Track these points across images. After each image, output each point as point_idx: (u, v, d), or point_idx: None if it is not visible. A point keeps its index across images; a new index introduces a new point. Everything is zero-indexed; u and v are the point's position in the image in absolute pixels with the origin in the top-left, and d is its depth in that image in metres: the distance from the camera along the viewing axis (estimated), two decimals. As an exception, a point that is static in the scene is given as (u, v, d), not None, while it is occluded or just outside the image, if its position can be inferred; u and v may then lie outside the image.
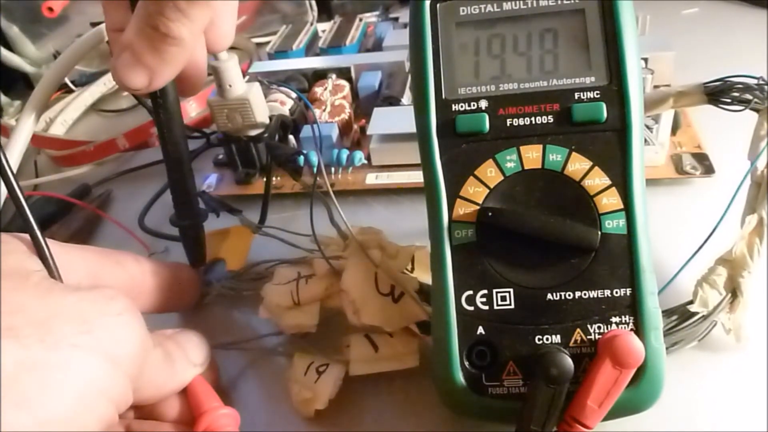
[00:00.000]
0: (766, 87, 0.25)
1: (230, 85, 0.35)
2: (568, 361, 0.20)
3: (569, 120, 0.22)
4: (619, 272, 0.21)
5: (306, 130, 0.39)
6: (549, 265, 0.22)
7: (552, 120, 0.22)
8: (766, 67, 0.39)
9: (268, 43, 0.56)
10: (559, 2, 0.23)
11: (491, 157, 0.23)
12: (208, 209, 0.34)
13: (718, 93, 0.26)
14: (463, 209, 0.23)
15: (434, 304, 0.23)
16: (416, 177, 0.37)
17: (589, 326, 0.21)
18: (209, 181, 0.41)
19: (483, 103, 0.23)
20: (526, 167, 0.22)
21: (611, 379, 0.20)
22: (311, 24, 0.58)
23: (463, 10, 0.24)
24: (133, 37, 0.22)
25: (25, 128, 0.28)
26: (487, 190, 0.23)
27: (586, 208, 0.22)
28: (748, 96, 0.25)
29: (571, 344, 0.21)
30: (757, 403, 0.23)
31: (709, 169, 0.34)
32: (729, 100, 0.25)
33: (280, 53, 0.53)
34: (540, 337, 0.22)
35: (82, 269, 0.23)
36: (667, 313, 0.25)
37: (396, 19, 0.59)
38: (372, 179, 0.38)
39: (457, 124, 0.23)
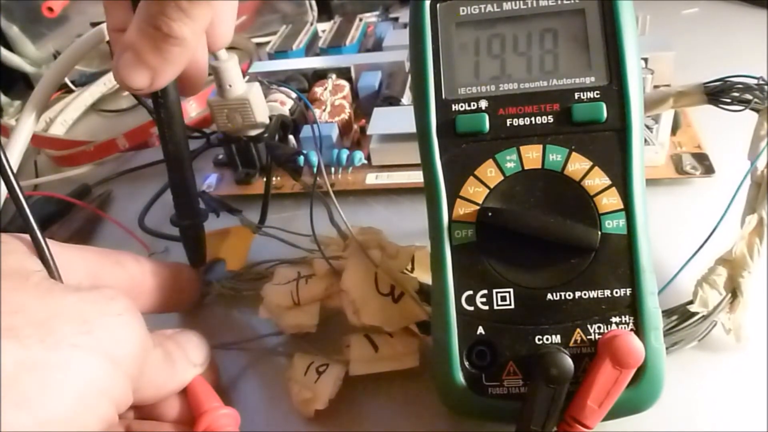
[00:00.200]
0: (766, 87, 0.25)
1: (230, 85, 0.35)
2: (568, 361, 0.20)
3: (569, 120, 0.22)
4: (619, 272, 0.21)
5: (306, 130, 0.39)
6: (549, 265, 0.22)
7: (552, 120, 0.22)
8: (766, 67, 0.39)
9: (268, 43, 0.56)
10: (559, 2, 0.23)
11: (491, 157, 0.23)
12: (208, 209, 0.34)
13: (718, 93, 0.26)
14: (463, 209, 0.23)
15: (434, 304, 0.23)
16: (416, 177, 0.37)
17: (589, 326, 0.21)
18: (209, 181, 0.41)
19: (483, 103, 0.23)
20: (526, 167, 0.22)
21: (611, 379, 0.20)
22: (311, 24, 0.58)
23: (463, 10, 0.24)
24: (134, 37, 0.22)
25: (25, 128, 0.28)
26: (487, 190, 0.23)
27: (586, 208, 0.22)
28: (748, 96, 0.25)
29: (571, 344, 0.21)
30: (757, 403, 0.23)
31: (709, 169, 0.34)
32: (729, 100, 0.25)
33: (280, 53, 0.53)
34: (540, 337, 0.22)
35: (82, 269, 0.23)
36: (667, 313, 0.25)
37: (396, 19, 0.59)
38: (372, 179, 0.38)
39: (457, 124, 0.23)
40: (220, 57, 0.34)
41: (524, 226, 0.22)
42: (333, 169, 0.39)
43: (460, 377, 0.22)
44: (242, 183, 0.40)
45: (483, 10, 0.23)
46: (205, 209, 0.33)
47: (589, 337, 0.21)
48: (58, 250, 0.22)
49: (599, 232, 0.22)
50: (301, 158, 0.37)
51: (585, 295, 0.22)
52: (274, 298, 0.28)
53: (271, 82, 0.43)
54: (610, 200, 0.22)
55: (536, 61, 0.23)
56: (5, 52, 0.61)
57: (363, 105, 0.45)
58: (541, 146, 0.22)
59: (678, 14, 0.53)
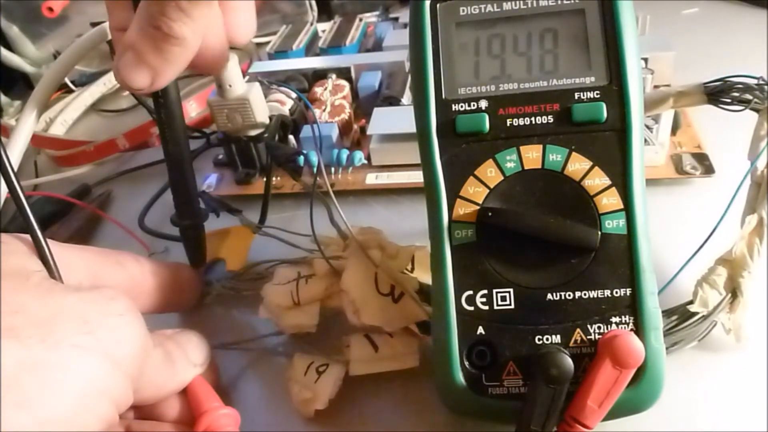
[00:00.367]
0: (766, 87, 0.25)
1: (230, 85, 0.35)
2: (568, 361, 0.20)
3: (569, 120, 0.22)
4: (619, 272, 0.21)
5: (306, 130, 0.39)
6: (549, 265, 0.22)
7: (552, 120, 0.22)
8: (766, 67, 0.39)
9: (268, 43, 0.56)
10: (559, 2, 0.23)
11: (491, 157, 0.23)
12: (208, 209, 0.34)
13: (718, 93, 0.26)
14: (463, 209, 0.23)
15: (434, 304, 0.23)
16: (416, 177, 0.37)
17: (589, 326, 0.21)
18: (209, 181, 0.41)
19: (483, 103, 0.23)
20: (526, 167, 0.22)
21: (611, 379, 0.20)
22: (311, 24, 0.58)
23: (463, 10, 0.24)
24: (135, 37, 0.22)
25: (25, 128, 0.28)
26: (487, 190, 0.23)
27: (586, 208, 0.22)
28: (748, 96, 0.25)
29: (571, 344, 0.21)
30: (757, 403, 0.23)
31: (709, 169, 0.34)
32: (729, 100, 0.25)
33: (280, 53, 0.53)
34: (540, 337, 0.22)
35: (82, 269, 0.23)
36: (667, 313, 0.25)
37: (396, 19, 0.59)
38: (372, 179, 0.38)
39: (457, 124, 0.23)
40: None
41: (524, 226, 0.22)
42: (333, 169, 0.39)
43: (460, 377, 0.22)
44: (242, 183, 0.40)
45: (483, 10, 0.23)
46: (205, 209, 0.33)
47: (589, 337, 0.21)
48: (58, 250, 0.22)
49: (599, 232, 0.22)
50: (301, 158, 0.37)
51: (585, 295, 0.22)
52: (274, 298, 0.28)
53: (271, 82, 0.43)
54: (610, 200, 0.22)
55: (536, 61, 0.23)
56: (5, 52, 0.61)
57: (363, 105, 0.45)
58: (541, 146, 0.22)
59: (678, 14, 0.53)
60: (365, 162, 0.39)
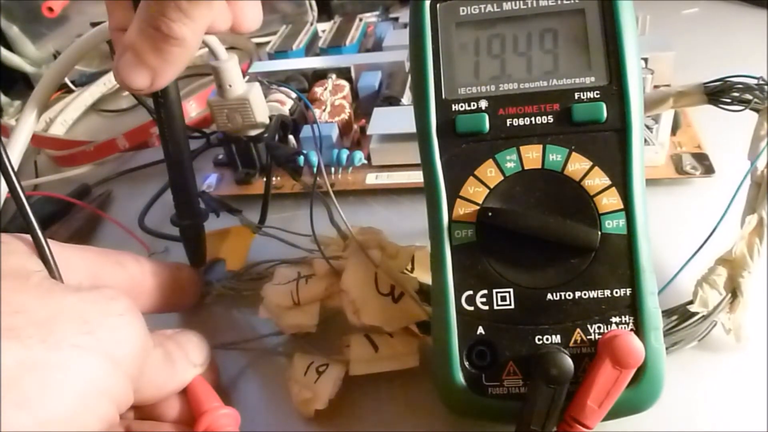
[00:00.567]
0: (766, 87, 0.25)
1: (230, 85, 0.35)
2: (568, 361, 0.20)
3: (569, 120, 0.22)
4: (619, 272, 0.21)
5: (306, 130, 0.39)
6: (549, 265, 0.22)
7: (552, 120, 0.22)
8: (766, 67, 0.39)
9: (268, 43, 0.56)
10: (559, 2, 0.23)
11: (491, 157, 0.23)
12: (208, 209, 0.34)
13: (718, 93, 0.26)
14: (463, 209, 0.23)
15: (434, 304, 0.23)
16: (416, 177, 0.37)
17: (589, 326, 0.21)
18: (209, 181, 0.41)
19: (483, 103, 0.23)
20: (526, 167, 0.22)
21: (611, 379, 0.20)
22: (311, 24, 0.58)
23: (463, 10, 0.24)
24: (135, 38, 0.22)
25: (25, 128, 0.28)
26: (487, 190, 0.23)
27: (586, 208, 0.22)
28: (748, 96, 0.25)
29: (571, 344, 0.21)
30: (757, 403, 0.23)
31: (709, 169, 0.34)
32: (729, 100, 0.25)
33: (280, 53, 0.53)
34: (540, 337, 0.22)
35: (82, 269, 0.23)
36: (667, 313, 0.25)
37: (396, 19, 0.59)
38: (372, 179, 0.38)
39: (457, 124, 0.23)
40: (220, 57, 0.34)
41: (524, 226, 0.22)
42: (333, 169, 0.39)
43: (460, 377, 0.22)
44: (242, 183, 0.40)
45: (483, 10, 0.23)
46: (205, 209, 0.33)
47: (589, 337, 0.21)
48: (58, 250, 0.22)
49: (599, 232, 0.22)
50: (301, 158, 0.37)
51: (585, 295, 0.22)
52: (274, 298, 0.28)
53: (271, 82, 0.43)
54: (610, 200, 0.22)
55: (536, 61, 0.23)
56: (5, 52, 0.61)
57: (363, 105, 0.45)
58: (541, 146, 0.22)
59: (678, 14, 0.53)
60: (365, 162, 0.39)
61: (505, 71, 0.23)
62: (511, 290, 0.22)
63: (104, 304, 0.20)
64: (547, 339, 0.22)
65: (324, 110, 0.42)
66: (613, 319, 0.21)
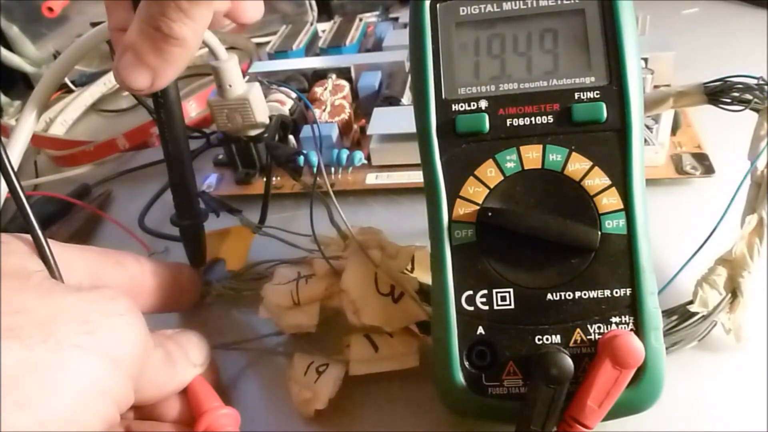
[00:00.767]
0: (766, 87, 0.25)
1: (230, 85, 0.35)
2: (568, 361, 0.20)
3: (569, 120, 0.22)
4: (619, 272, 0.21)
5: (306, 130, 0.39)
6: (549, 265, 0.22)
7: (552, 120, 0.22)
8: (766, 67, 0.39)
9: (268, 43, 0.56)
10: (559, 2, 0.23)
11: (491, 157, 0.23)
12: (208, 209, 0.34)
13: (718, 93, 0.26)
14: (463, 209, 0.23)
15: (434, 304, 0.23)
16: (416, 177, 0.37)
17: (589, 326, 0.21)
18: (209, 181, 0.41)
19: (483, 103, 0.23)
20: (526, 167, 0.22)
21: (611, 379, 0.20)
22: (311, 24, 0.58)
23: (463, 10, 0.24)
24: (135, 38, 0.22)
25: (25, 128, 0.28)
26: (487, 190, 0.23)
27: (586, 208, 0.22)
28: (748, 96, 0.25)
29: (571, 344, 0.21)
30: (757, 403, 0.23)
31: (709, 169, 0.34)
32: (729, 100, 0.25)
33: (280, 53, 0.53)
34: (540, 337, 0.22)
35: (82, 269, 0.23)
36: (667, 313, 0.25)
37: (396, 19, 0.59)
38: (372, 179, 0.38)
39: (457, 124, 0.23)
40: (220, 57, 0.34)
41: (524, 226, 0.22)
42: (333, 169, 0.39)
43: (460, 377, 0.22)
44: (242, 183, 0.40)
45: (483, 10, 0.23)
46: (205, 209, 0.33)
47: (589, 337, 0.21)
48: (58, 250, 0.22)
49: (599, 232, 0.22)
50: (301, 158, 0.37)
51: (585, 295, 0.22)
52: (274, 298, 0.28)
53: (271, 82, 0.43)
54: (610, 200, 0.22)
55: (536, 61, 0.23)
56: (5, 52, 0.61)
57: (363, 105, 0.45)
58: (541, 146, 0.22)
59: (678, 14, 0.53)
60: (365, 162, 0.39)
61: (505, 71, 0.23)
62: (511, 290, 0.22)
63: (104, 304, 0.20)
64: (547, 339, 0.22)
65: (324, 110, 0.42)
66: (613, 319, 0.21)
